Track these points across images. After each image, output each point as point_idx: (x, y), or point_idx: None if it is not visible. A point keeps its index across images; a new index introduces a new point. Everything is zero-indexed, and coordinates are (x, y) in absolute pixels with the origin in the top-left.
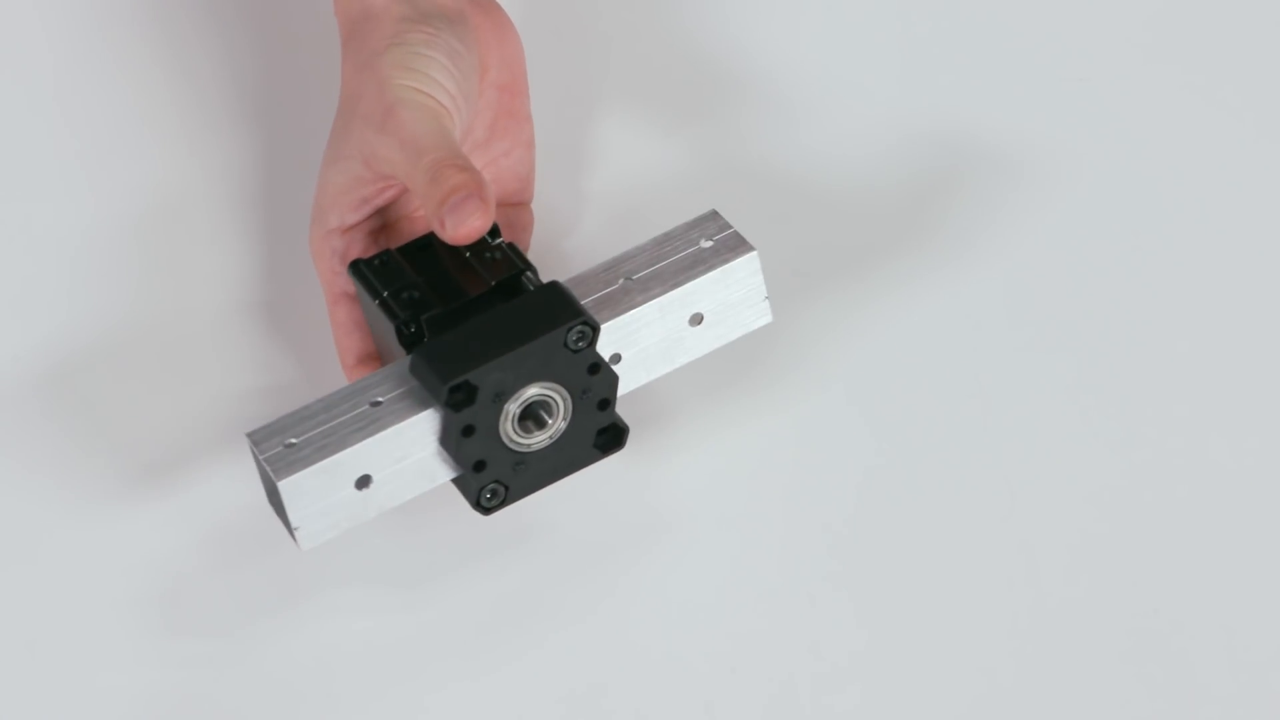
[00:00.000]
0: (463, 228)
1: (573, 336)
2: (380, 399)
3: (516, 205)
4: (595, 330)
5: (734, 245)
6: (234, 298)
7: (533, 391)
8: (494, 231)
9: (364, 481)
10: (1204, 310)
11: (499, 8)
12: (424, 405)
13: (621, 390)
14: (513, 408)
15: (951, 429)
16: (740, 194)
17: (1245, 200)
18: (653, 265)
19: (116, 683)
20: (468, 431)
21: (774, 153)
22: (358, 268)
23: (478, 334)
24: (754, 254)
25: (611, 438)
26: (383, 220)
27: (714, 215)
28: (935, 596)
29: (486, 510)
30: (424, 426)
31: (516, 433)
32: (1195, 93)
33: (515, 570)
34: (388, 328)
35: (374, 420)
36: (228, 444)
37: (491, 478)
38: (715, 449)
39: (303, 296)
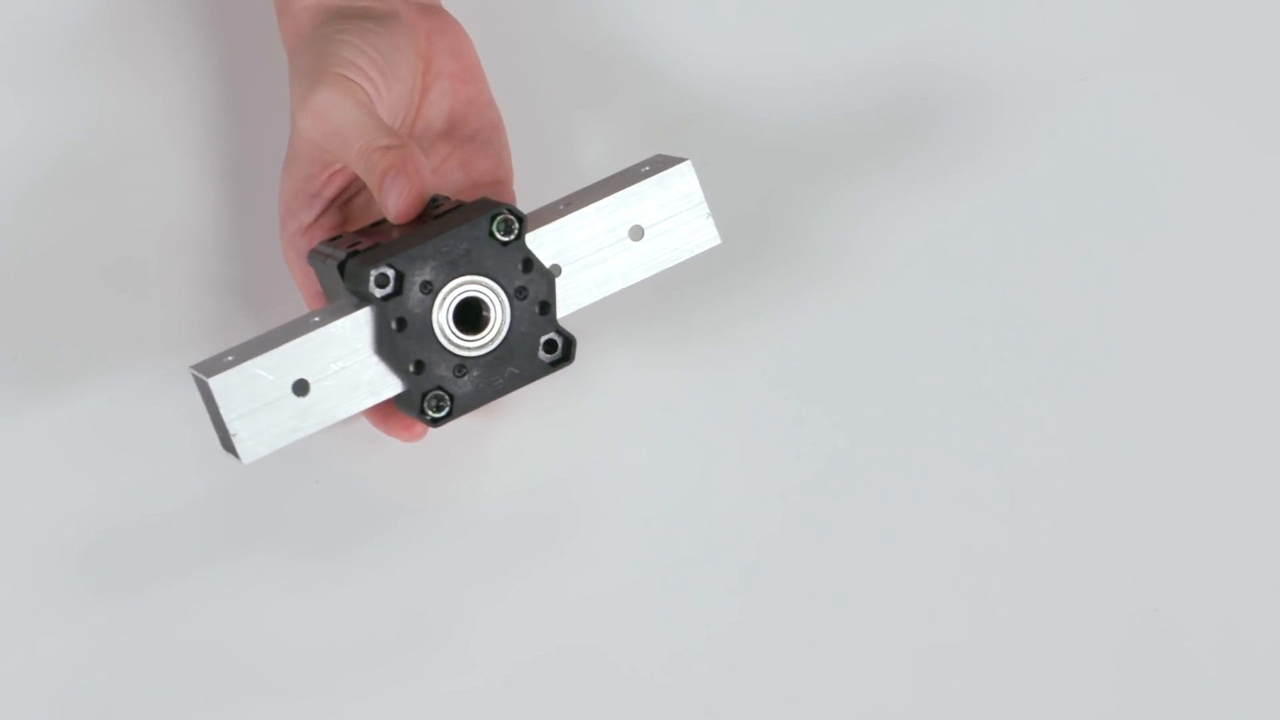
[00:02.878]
0: (400, 205)
1: (498, 225)
2: (317, 318)
3: (494, 186)
4: (521, 220)
5: (670, 162)
6: (199, 272)
7: (464, 286)
8: (436, 200)
9: (301, 388)
10: (1205, 310)
11: (441, 9)
12: (357, 308)
13: (570, 308)
14: (445, 301)
15: (944, 426)
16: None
17: (1235, 187)
18: (594, 191)
19: (28, 641)
20: (401, 325)
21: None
22: (313, 252)
23: (405, 239)
24: (687, 163)
25: (562, 351)
26: (345, 215)
27: (659, 156)
28: (931, 595)
29: (433, 420)
30: (358, 329)
31: (454, 331)
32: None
33: (445, 547)
34: (337, 277)
35: (309, 328)
36: (163, 404)
37: (433, 384)
38: (663, 429)
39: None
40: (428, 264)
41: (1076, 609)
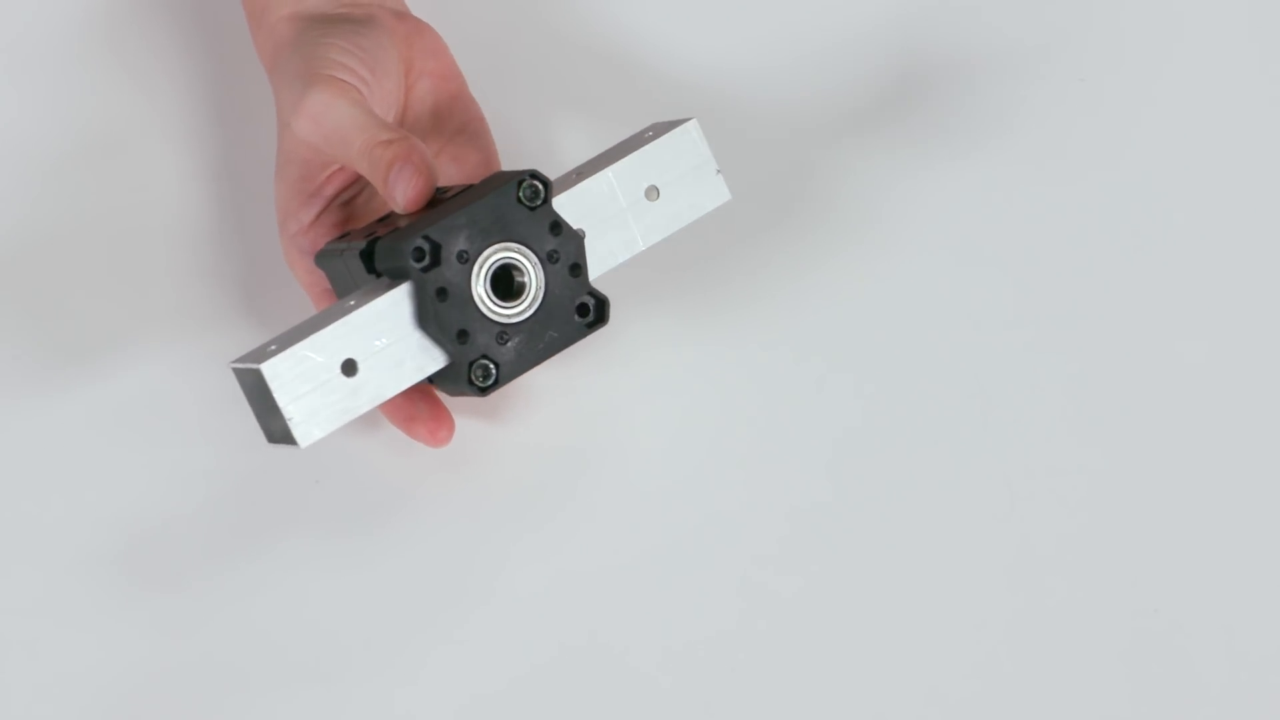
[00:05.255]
0: (409, 194)
1: (525, 191)
2: (353, 301)
3: None
4: (546, 185)
5: (675, 123)
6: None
7: (498, 253)
8: (442, 189)
9: (350, 368)
10: (1205, 310)
11: (411, 14)
12: (391, 287)
13: (597, 271)
14: (482, 270)
15: (946, 424)
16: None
17: (1241, 187)
18: (603, 159)
19: (76, 643)
20: (442, 295)
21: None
22: (321, 253)
23: (432, 214)
24: (694, 121)
25: (595, 313)
26: (347, 214)
27: (658, 122)
28: (932, 594)
29: (481, 389)
30: (398, 305)
31: (492, 299)
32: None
33: (473, 519)
34: (355, 266)
35: (347, 310)
36: (193, 405)
37: (478, 352)
38: (686, 403)
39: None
40: (462, 233)
41: (1076, 609)
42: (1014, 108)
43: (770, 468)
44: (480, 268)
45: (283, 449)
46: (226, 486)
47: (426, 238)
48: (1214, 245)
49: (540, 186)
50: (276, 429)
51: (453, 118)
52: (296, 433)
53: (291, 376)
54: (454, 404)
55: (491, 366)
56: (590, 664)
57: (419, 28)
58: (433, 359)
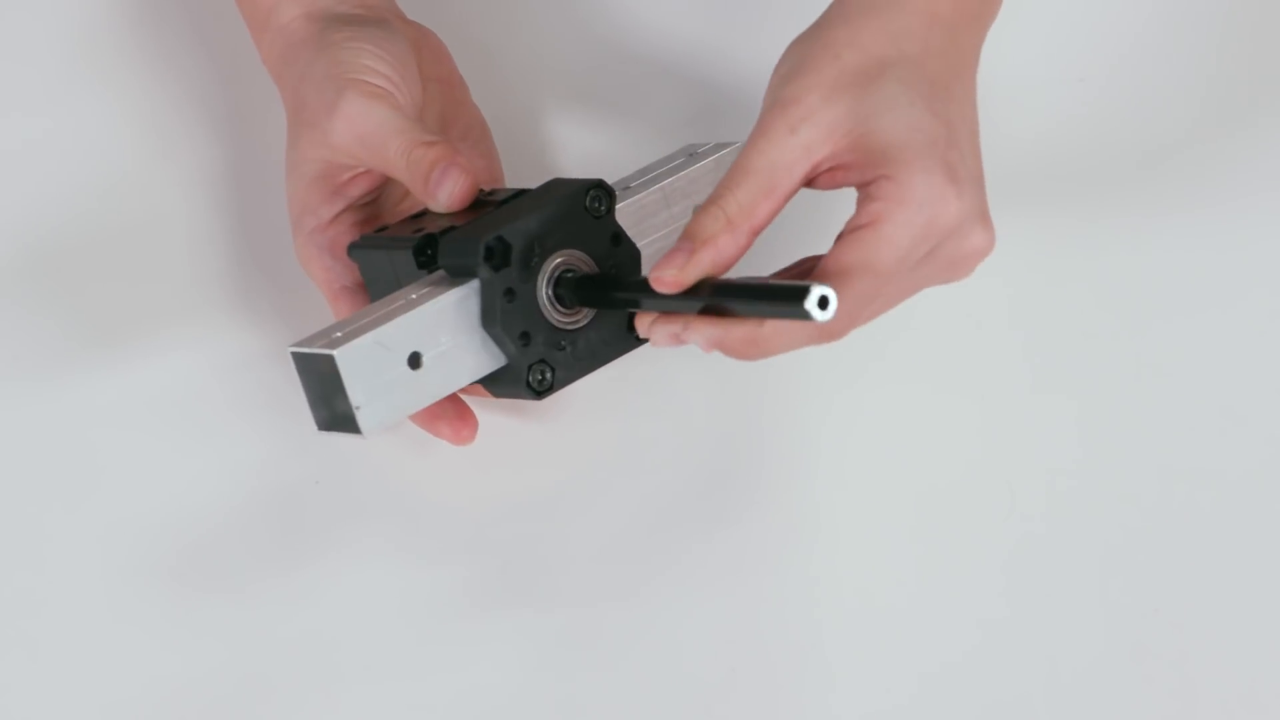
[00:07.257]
0: (455, 195)
1: (591, 199)
2: (415, 294)
3: (491, 184)
4: (611, 195)
5: (723, 144)
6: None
7: (563, 259)
8: (491, 190)
9: (415, 360)
10: (1204, 310)
11: (411, 20)
12: (461, 283)
13: None
14: (547, 275)
15: (949, 429)
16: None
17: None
18: (649, 174)
19: (80, 643)
20: (509, 296)
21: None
22: (356, 244)
23: (498, 215)
24: (740, 145)
25: None
26: (369, 213)
27: (692, 144)
28: (933, 595)
29: (538, 392)
30: (465, 302)
31: (555, 306)
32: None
33: (523, 528)
34: (403, 261)
35: (414, 303)
36: (238, 413)
37: (537, 355)
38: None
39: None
40: (532, 237)
41: (1076, 608)
42: (1020, 114)
43: (780, 466)
44: (545, 272)
45: (321, 438)
46: (239, 485)
47: (500, 238)
48: (1205, 238)
49: (605, 196)
50: (337, 416)
51: (458, 122)
52: (361, 420)
53: (361, 364)
54: (474, 402)
55: (549, 370)
56: (600, 662)
57: (423, 32)
58: (492, 358)
